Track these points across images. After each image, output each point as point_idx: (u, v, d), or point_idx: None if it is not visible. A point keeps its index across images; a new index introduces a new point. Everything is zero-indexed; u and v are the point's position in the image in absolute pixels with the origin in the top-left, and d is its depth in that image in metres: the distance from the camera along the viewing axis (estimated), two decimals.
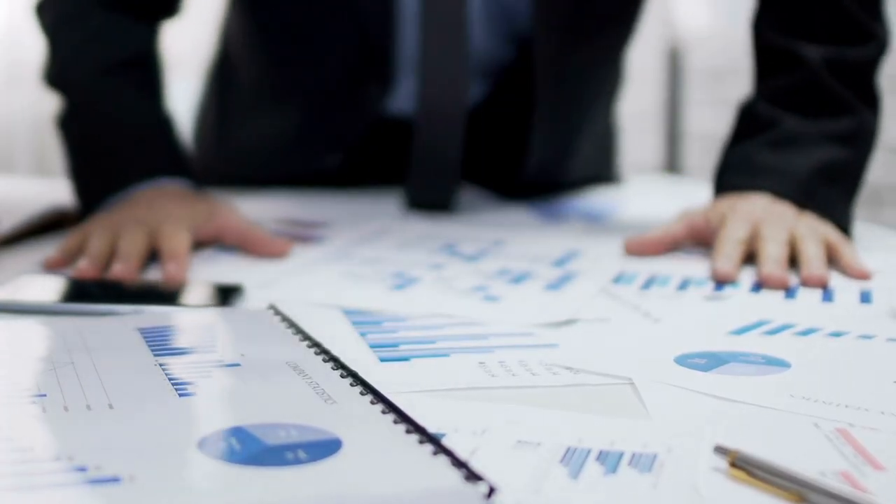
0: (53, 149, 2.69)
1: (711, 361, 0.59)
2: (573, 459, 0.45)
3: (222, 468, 0.42)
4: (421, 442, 0.44)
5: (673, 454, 0.45)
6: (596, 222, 1.10)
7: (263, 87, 1.23)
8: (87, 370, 0.55)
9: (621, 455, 0.45)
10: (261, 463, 0.42)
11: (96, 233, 0.86)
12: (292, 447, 0.44)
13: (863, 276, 0.81)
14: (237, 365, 0.57)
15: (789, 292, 0.77)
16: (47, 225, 0.99)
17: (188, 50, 2.06)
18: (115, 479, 0.40)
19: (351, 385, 0.52)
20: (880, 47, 0.98)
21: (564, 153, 1.21)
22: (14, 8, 2.77)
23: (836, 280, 0.80)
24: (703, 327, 0.68)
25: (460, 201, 1.15)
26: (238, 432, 0.45)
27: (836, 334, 0.66)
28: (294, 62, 1.18)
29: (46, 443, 0.45)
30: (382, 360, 0.60)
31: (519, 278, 0.81)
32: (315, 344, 0.60)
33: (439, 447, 0.43)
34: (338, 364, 0.56)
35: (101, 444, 0.44)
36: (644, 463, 0.44)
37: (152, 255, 0.85)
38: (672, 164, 3.18)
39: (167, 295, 0.76)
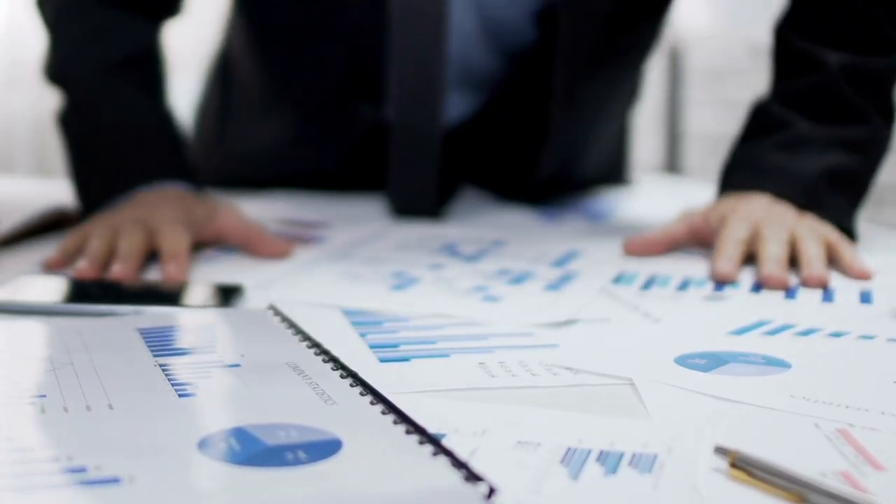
0: (53, 149, 2.69)
1: (711, 362, 0.59)
2: (573, 460, 0.45)
3: (222, 468, 0.42)
4: (421, 442, 0.44)
5: (673, 454, 0.45)
6: (596, 222, 1.10)
7: (262, 90, 1.23)
8: (86, 371, 0.55)
9: (621, 455, 0.45)
10: (261, 463, 0.42)
11: (96, 233, 0.86)
12: (292, 447, 0.44)
13: (863, 276, 0.81)
14: (237, 365, 0.57)
15: (789, 292, 0.77)
16: (47, 225, 0.99)
17: (190, 50, 2.06)
18: (115, 480, 0.40)
19: (351, 385, 0.52)
20: None
21: (574, 162, 1.22)
22: (14, 8, 2.77)
23: (836, 280, 0.80)
24: (703, 327, 0.68)
25: (459, 204, 1.15)
26: (238, 433, 0.45)
27: (837, 334, 0.66)
28: (289, 72, 1.18)
29: (46, 443, 0.45)
30: (382, 360, 0.60)
31: (519, 278, 0.81)
32: (315, 344, 0.60)
33: (439, 448, 0.43)
34: (338, 364, 0.56)
35: (101, 445, 0.44)
36: (644, 463, 0.44)
37: (152, 256, 0.85)
38: (672, 164, 3.18)
39: (167, 295, 0.76)
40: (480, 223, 1.08)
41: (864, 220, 0.97)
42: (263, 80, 1.22)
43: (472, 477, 0.40)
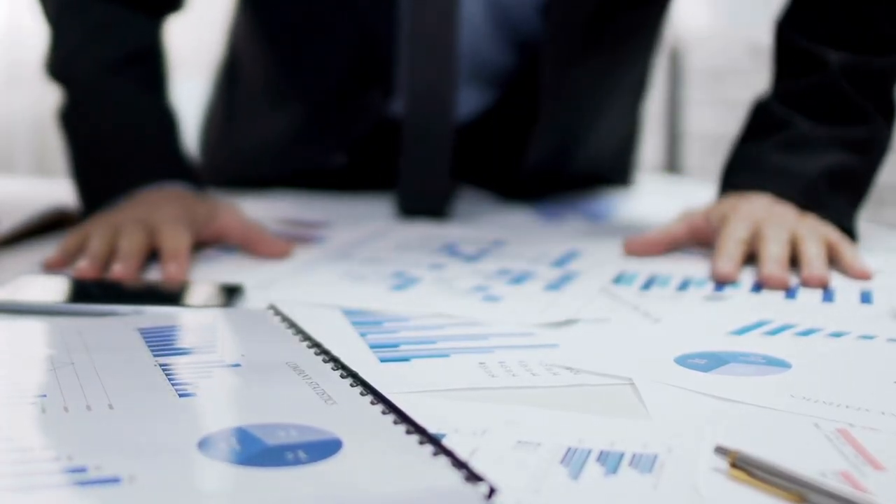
0: (54, 149, 2.69)
1: (712, 361, 0.59)
2: (573, 460, 0.45)
3: (222, 468, 0.42)
4: (421, 442, 0.44)
5: (673, 454, 0.45)
6: (596, 223, 1.10)
7: (268, 82, 1.23)
8: (87, 370, 0.55)
9: (622, 455, 0.45)
10: (261, 463, 0.42)
11: (96, 233, 0.86)
12: (292, 447, 0.44)
13: (863, 276, 0.81)
14: (237, 365, 0.57)
15: (790, 292, 0.77)
16: (47, 225, 0.99)
17: (195, 50, 2.06)
18: (115, 480, 0.40)
19: (351, 385, 0.52)
20: None
21: (565, 154, 1.21)
22: (14, 8, 2.77)
23: (836, 280, 0.80)
24: (703, 327, 0.68)
25: (459, 204, 1.15)
26: (238, 432, 0.45)
27: (837, 334, 0.66)
28: (298, 64, 1.18)
29: (46, 443, 0.45)
30: (382, 360, 0.60)
31: (519, 278, 0.81)
32: (315, 344, 0.60)
33: (439, 448, 0.43)
34: (338, 364, 0.56)
35: (101, 445, 0.44)
36: (644, 463, 0.44)
37: (153, 255, 0.85)
38: (672, 164, 3.18)
39: (167, 295, 0.76)
40: (480, 223, 1.08)
41: (864, 220, 0.97)
42: (270, 71, 1.22)
43: (473, 477, 0.40)
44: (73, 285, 0.78)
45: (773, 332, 0.66)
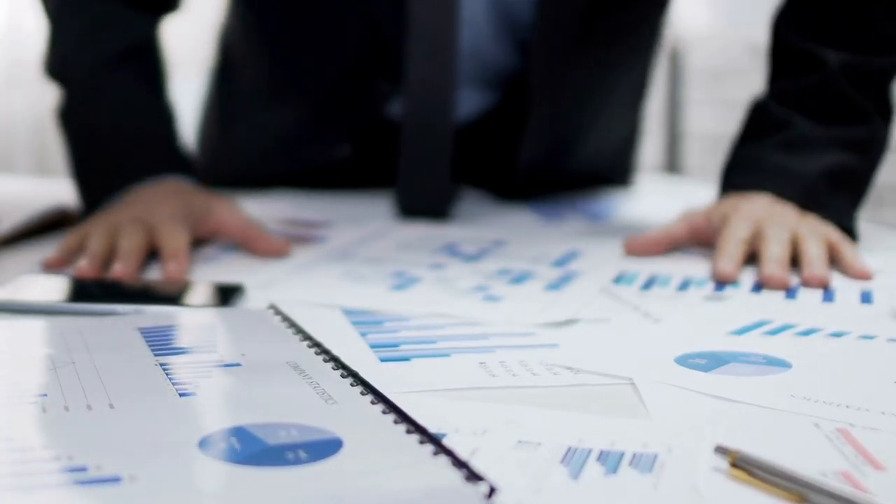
0: (53, 149, 2.69)
1: (712, 361, 0.59)
2: (574, 460, 0.45)
3: (223, 468, 0.42)
4: (421, 442, 0.44)
5: (673, 454, 0.45)
6: (596, 223, 1.10)
7: (269, 83, 1.23)
8: (87, 370, 0.55)
9: (622, 455, 0.45)
10: (261, 463, 0.42)
11: (96, 232, 0.86)
12: (293, 447, 0.44)
13: (864, 276, 0.81)
14: (237, 365, 0.57)
15: (790, 292, 0.77)
16: (47, 225, 0.99)
17: (192, 50, 2.06)
18: (115, 479, 0.40)
19: (351, 385, 0.52)
20: None
21: (562, 152, 1.21)
22: (15, 8, 2.77)
23: (836, 280, 0.80)
24: (703, 327, 0.68)
25: (459, 204, 1.15)
26: (239, 432, 0.45)
27: (837, 334, 0.66)
28: (303, 57, 1.17)
29: (46, 443, 0.45)
30: (383, 360, 0.60)
31: (519, 278, 0.81)
32: (315, 344, 0.60)
33: (440, 447, 0.43)
34: (338, 364, 0.56)
35: (102, 444, 0.44)
36: (644, 463, 0.44)
37: (153, 255, 0.85)
38: (672, 164, 3.18)
39: (167, 295, 0.76)
40: (480, 223, 1.08)
41: (864, 220, 0.97)
42: (269, 68, 1.22)
43: (473, 476, 0.40)
44: (73, 285, 0.78)
45: (774, 332, 0.66)
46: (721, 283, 0.80)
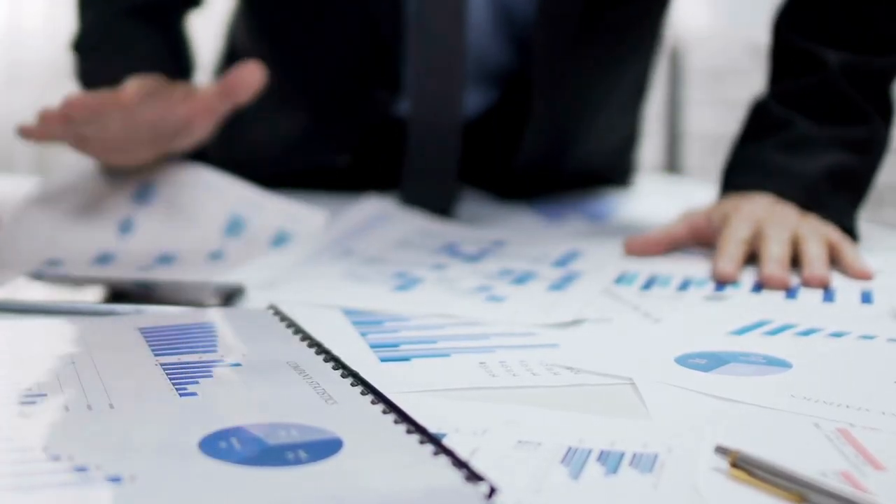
0: (54, 149, 2.69)
1: (712, 361, 0.59)
2: (574, 460, 0.45)
3: (223, 468, 0.42)
4: (421, 442, 0.44)
5: (673, 454, 0.45)
6: (596, 223, 1.10)
7: (272, 86, 1.23)
8: (87, 370, 0.55)
9: (622, 455, 0.45)
10: (261, 463, 0.42)
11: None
12: (293, 447, 0.44)
13: (864, 276, 0.81)
14: (238, 365, 0.57)
15: (790, 292, 0.77)
16: None
17: (193, 50, 2.06)
18: (115, 479, 0.40)
19: (351, 385, 0.52)
20: None
21: (561, 151, 1.21)
22: (15, 8, 2.77)
23: (837, 280, 0.80)
24: (703, 327, 0.68)
25: (459, 204, 1.15)
26: (239, 432, 0.45)
27: (837, 334, 0.66)
28: (302, 64, 1.18)
29: (46, 443, 0.45)
30: (383, 360, 0.60)
31: (521, 278, 0.81)
32: (315, 344, 0.60)
33: (440, 447, 0.43)
34: (338, 364, 0.56)
35: (102, 444, 0.44)
36: (645, 463, 0.44)
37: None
38: (672, 164, 3.18)
39: (167, 295, 0.76)
40: (481, 223, 1.08)
41: (864, 220, 0.97)
42: (273, 71, 1.22)
43: (473, 476, 0.40)
44: (73, 285, 0.78)
45: (774, 332, 0.66)
46: (721, 283, 0.80)
